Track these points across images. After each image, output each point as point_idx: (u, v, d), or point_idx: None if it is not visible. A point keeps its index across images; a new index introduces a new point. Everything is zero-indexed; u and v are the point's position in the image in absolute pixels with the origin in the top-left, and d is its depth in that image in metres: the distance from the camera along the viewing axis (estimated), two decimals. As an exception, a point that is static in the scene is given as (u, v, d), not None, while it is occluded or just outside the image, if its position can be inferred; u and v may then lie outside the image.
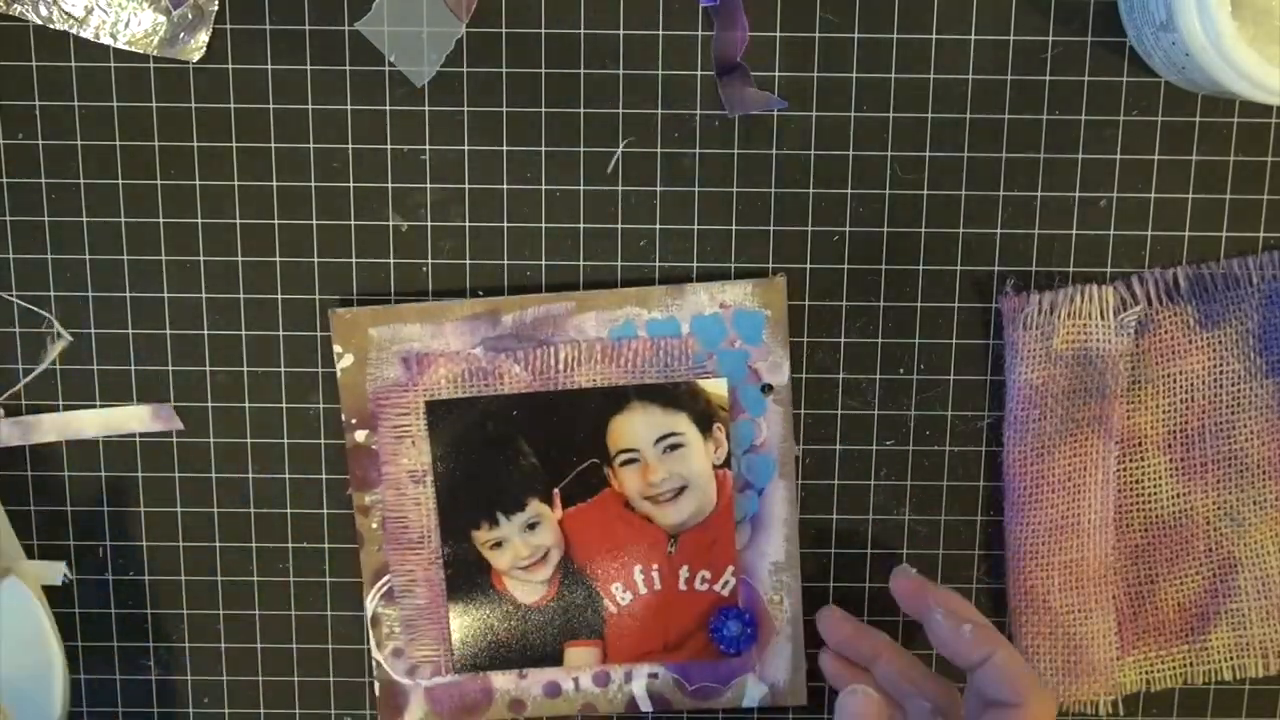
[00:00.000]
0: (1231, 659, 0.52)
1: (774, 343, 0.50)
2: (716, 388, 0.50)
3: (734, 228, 0.50)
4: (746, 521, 0.51)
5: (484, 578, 0.51)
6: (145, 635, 0.53)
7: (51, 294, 0.50)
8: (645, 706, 0.52)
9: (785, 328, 0.50)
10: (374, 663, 0.52)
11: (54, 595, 0.52)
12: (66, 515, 0.52)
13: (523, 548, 0.51)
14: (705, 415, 0.50)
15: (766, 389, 0.50)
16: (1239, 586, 0.51)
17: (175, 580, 0.52)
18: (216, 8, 0.48)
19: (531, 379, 0.50)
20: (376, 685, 0.52)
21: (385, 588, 0.51)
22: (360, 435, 0.50)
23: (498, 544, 0.51)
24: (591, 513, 0.51)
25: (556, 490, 0.50)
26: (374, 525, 0.51)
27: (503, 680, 0.52)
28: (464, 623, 0.51)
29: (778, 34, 0.48)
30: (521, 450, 0.50)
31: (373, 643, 0.52)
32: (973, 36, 0.48)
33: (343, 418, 0.50)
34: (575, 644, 0.52)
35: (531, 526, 0.51)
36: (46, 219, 0.50)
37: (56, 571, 0.52)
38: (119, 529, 0.52)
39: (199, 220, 0.50)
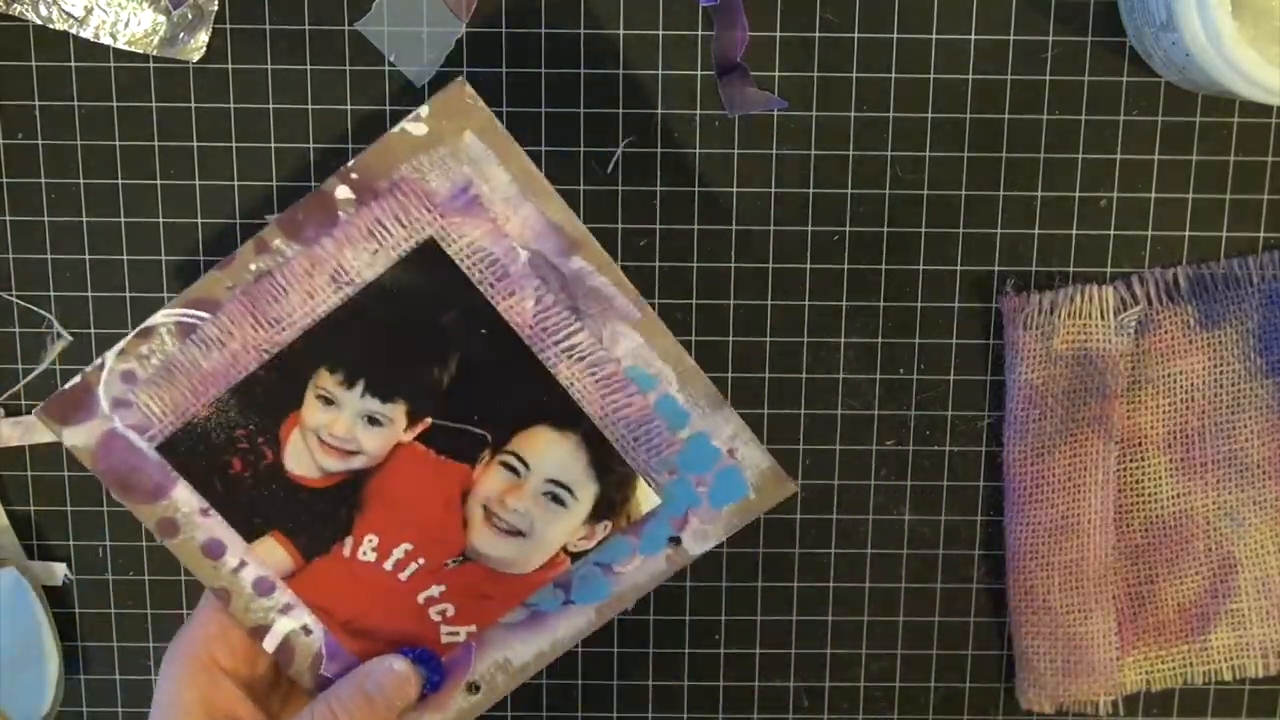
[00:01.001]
0: (1231, 659, 0.52)
1: (724, 520, 0.45)
2: (645, 498, 0.45)
3: (734, 228, 0.50)
4: (529, 609, 0.46)
5: (280, 411, 0.43)
6: (145, 635, 0.53)
7: (51, 294, 0.50)
8: (269, 644, 0.45)
9: (744, 520, 0.45)
10: (103, 361, 0.43)
11: (54, 595, 0.52)
12: (66, 515, 0.52)
13: (343, 428, 0.43)
14: (608, 506, 0.45)
15: (674, 541, 0.45)
16: (1239, 586, 0.51)
17: (175, 580, 0.52)
18: (216, 8, 0.48)
19: (530, 327, 0.43)
20: (78, 376, 0.43)
21: (193, 321, 0.43)
22: (343, 191, 0.42)
23: (329, 401, 0.43)
24: (430, 468, 0.44)
25: (430, 420, 0.43)
26: (253, 267, 0.42)
27: (185, 495, 0.44)
28: (218, 415, 0.43)
29: (778, 34, 0.48)
30: (446, 362, 0.43)
31: (121, 345, 0.43)
32: (973, 36, 0.48)
33: (348, 163, 0.42)
34: (279, 538, 0.44)
35: (373, 421, 0.43)
36: (46, 219, 0.50)
37: (56, 572, 0.52)
38: (119, 529, 0.52)
39: (199, 220, 0.50)
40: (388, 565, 0.45)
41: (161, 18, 0.48)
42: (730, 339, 0.50)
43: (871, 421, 0.51)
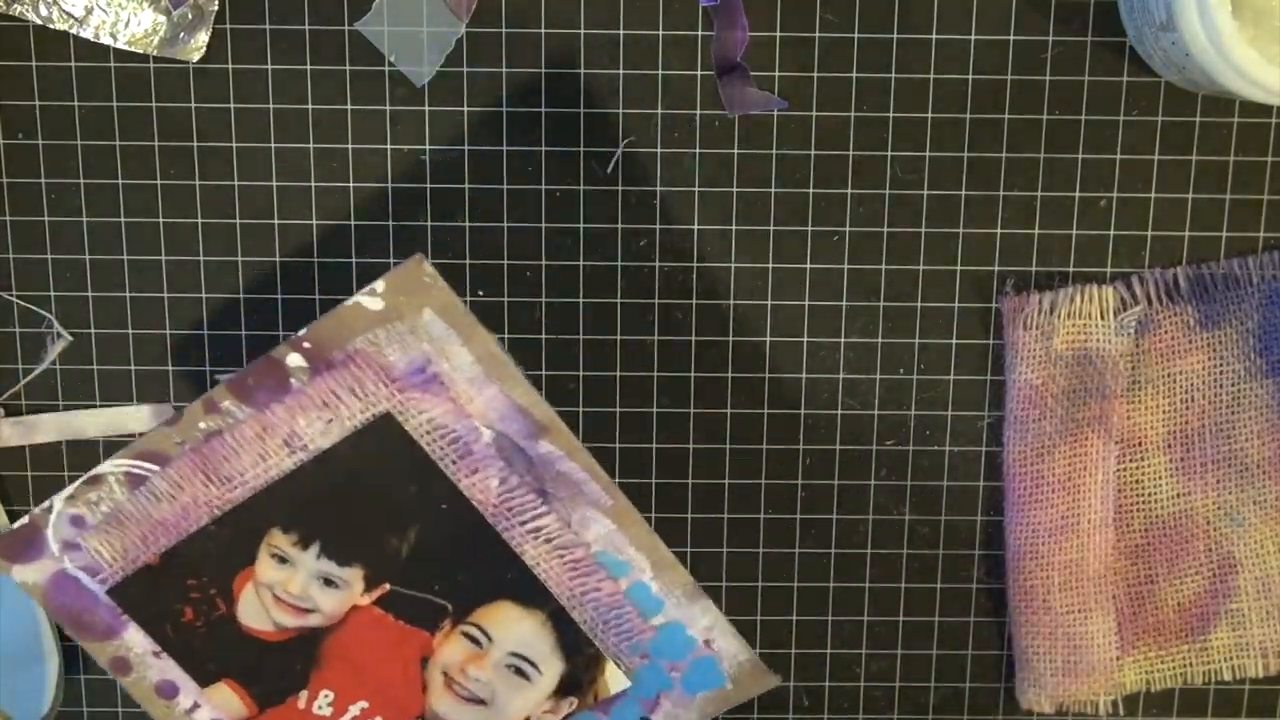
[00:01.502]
0: (1231, 659, 0.52)
1: (698, 707, 0.44)
2: (615, 679, 0.44)
3: (734, 228, 0.50)
4: None
5: (233, 565, 0.43)
6: (145, 635, 0.53)
7: (51, 294, 0.50)
8: None
9: (720, 709, 0.44)
10: (51, 504, 0.42)
11: (54, 595, 0.52)
12: (66, 515, 0.52)
13: (298, 587, 0.43)
14: (575, 684, 0.44)
15: None
16: (1239, 586, 0.51)
17: (175, 580, 0.52)
18: (216, 8, 0.48)
19: (494, 505, 0.42)
20: (25, 517, 0.43)
21: (142, 473, 0.42)
22: (295, 359, 0.41)
23: (283, 559, 0.43)
24: (388, 633, 0.43)
25: (387, 586, 0.43)
26: (202, 425, 0.41)
27: (138, 637, 0.43)
28: (169, 564, 0.42)
29: (778, 34, 0.48)
30: (405, 532, 0.42)
31: (69, 491, 0.42)
32: (973, 36, 0.48)
33: (300, 331, 0.41)
34: (232, 685, 0.44)
35: (329, 582, 0.43)
36: (46, 219, 0.50)
37: (56, 571, 0.52)
38: (119, 529, 0.52)
39: (199, 220, 0.50)
40: None
41: (161, 18, 0.48)
42: (730, 339, 0.50)
43: (871, 421, 0.51)
